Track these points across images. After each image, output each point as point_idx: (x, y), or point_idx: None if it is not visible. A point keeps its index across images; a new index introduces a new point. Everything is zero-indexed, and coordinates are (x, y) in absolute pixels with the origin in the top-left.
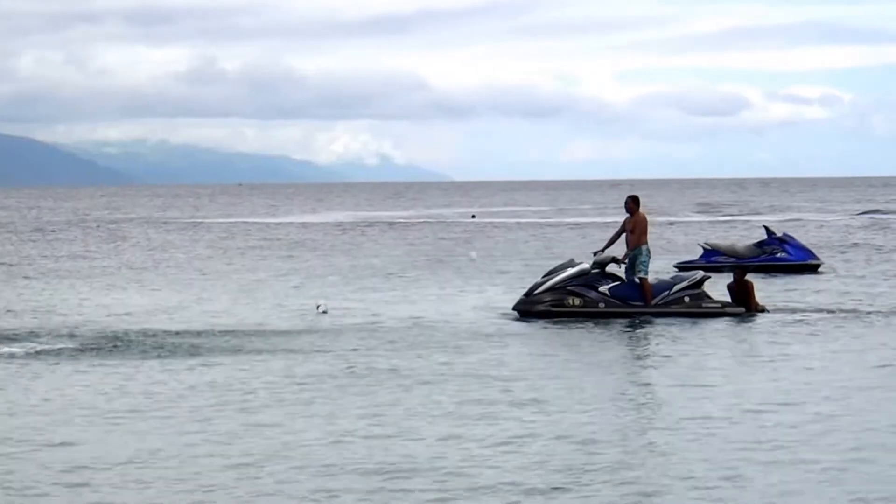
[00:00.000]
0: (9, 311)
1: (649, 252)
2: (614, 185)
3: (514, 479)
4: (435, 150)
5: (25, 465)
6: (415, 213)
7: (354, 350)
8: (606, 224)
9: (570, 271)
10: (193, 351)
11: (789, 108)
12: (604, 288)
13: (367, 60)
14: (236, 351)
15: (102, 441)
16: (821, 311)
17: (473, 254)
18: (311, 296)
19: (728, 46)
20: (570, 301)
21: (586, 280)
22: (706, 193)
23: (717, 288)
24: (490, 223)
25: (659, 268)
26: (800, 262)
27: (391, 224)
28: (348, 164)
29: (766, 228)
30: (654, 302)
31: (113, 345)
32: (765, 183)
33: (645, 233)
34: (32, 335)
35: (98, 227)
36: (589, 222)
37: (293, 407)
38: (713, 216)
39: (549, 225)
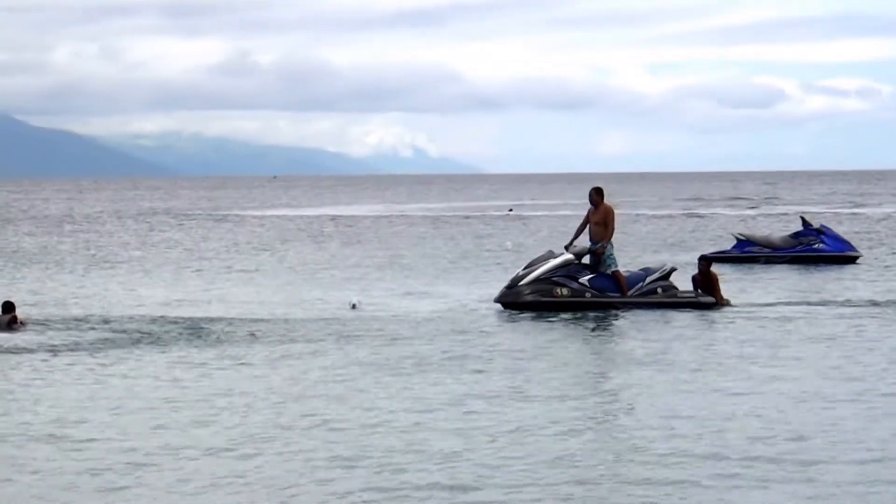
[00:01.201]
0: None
1: (612, 245)
2: (647, 177)
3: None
4: (469, 143)
5: (89, 453)
6: (449, 206)
7: (375, 341)
8: (639, 216)
9: (554, 262)
10: (221, 342)
11: (826, 101)
12: (584, 279)
13: (401, 53)
14: (279, 342)
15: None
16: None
17: (509, 243)
18: (345, 289)
19: (764, 38)
20: (558, 291)
21: (568, 271)
22: (737, 185)
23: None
24: (526, 216)
25: (689, 259)
26: (838, 253)
27: (425, 217)
28: (382, 156)
29: (803, 219)
30: (629, 293)
31: (161, 335)
32: (795, 175)
33: (613, 224)
34: (102, 323)
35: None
36: (622, 214)
37: (343, 395)
38: (745, 209)
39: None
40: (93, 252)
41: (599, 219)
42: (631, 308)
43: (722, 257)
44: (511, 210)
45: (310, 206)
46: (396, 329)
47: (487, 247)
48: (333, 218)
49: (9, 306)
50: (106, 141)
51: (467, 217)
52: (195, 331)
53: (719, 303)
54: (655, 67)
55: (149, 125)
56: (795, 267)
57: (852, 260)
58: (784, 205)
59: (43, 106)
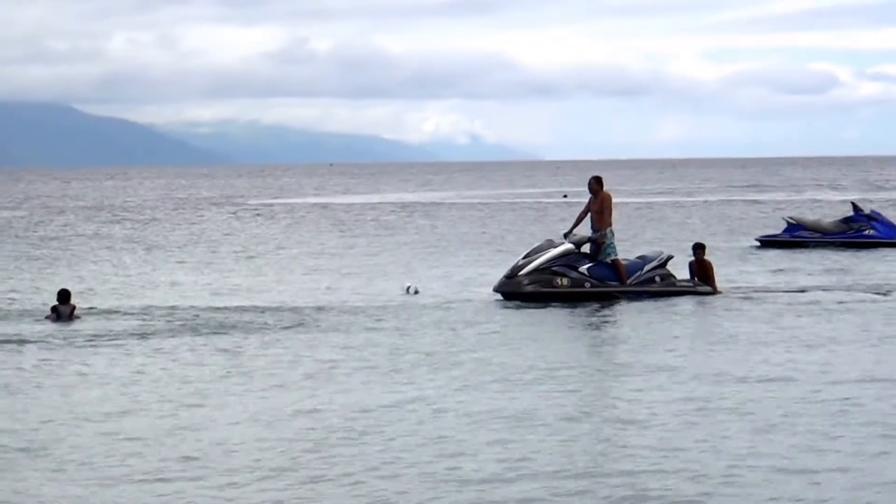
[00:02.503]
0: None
1: (613, 233)
2: (704, 163)
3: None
4: (525, 130)
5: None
6: (506, 192)
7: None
8: (695, 203)
9: (554, 251)
10: (272, 329)
11: (879, 87)
12: (583, 268)
13: (457, 40)
14: (333, 330)
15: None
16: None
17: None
18: (401, 275)
19: (818, 25)
20: (559, 281)
21: (568, 260)
22: (790, 170)
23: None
24: (582, 203)
25: (741, 242)
26: (890, 239)
27: (482, 203)
28: (439, 143)
29: (854, 205)
30: (629, 282)
31: (220, 322)
32: (848, 161)
33: (610, 213)
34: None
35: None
36: (678, 202)
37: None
38: (798, 194)
39: (646, 205)
40: (152, 240)
41: (598, 207)
42: (630, 297)
43: (773, 241)
44: (566, 196)
45: (366, 193)
46: (396, 318)
47: (538, 234)
48: (390, 204)
49: (65, 294)
50: (162, 129)
51: (519, 203)
52: (253, 320)
53: (713, 291)
54: (711, 54)
55: (205, 113)
56: (846, 252)
57: None
58: (837, 190)
59: (99, 94)
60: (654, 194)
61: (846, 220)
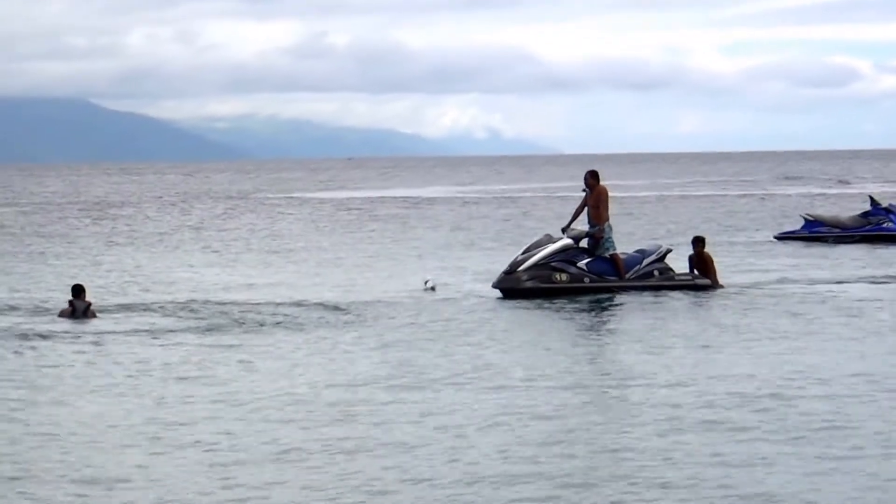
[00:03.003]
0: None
1: (611, 227)
2: (722, 156)
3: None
4: (544, 124)
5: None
6: (525, 187)
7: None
8: (715, 196)
9: (553, 247)
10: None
11: None
12: (581, 263)
13: (476, 34)
14: (346, 325)
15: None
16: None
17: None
18: (421, 270)
19: (838, 18)
20: (558, 277)
21: (566, 256)
22: (810, 164)
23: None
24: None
25: (762, 237)
26: None
27: (502, 198)
28: (457, 137)
29: (871, 199)
30: (627, 276)
31: (237, 319)
32: (869, 154)
33: (607, 207)
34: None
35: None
36: (697, 195)
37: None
38: (816, 188)
39: (666, 198)
40: (168, 235)
41: (595, 202)
42: (629, 291)
43: (791, 237)
44: (585, 190)
45: (384, 188)
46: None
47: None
48: (405, 199)
49: (79, 289)
50: (181, 124)
51: (540, 196)
52: (271, 316)
53: (714, 285)
54: (730, 47)
55: (223, 108)
56: (865, 246)
57: None
58: (858, 183)
59: (118, 90)
60: (671, 188)
61: (864, 214)
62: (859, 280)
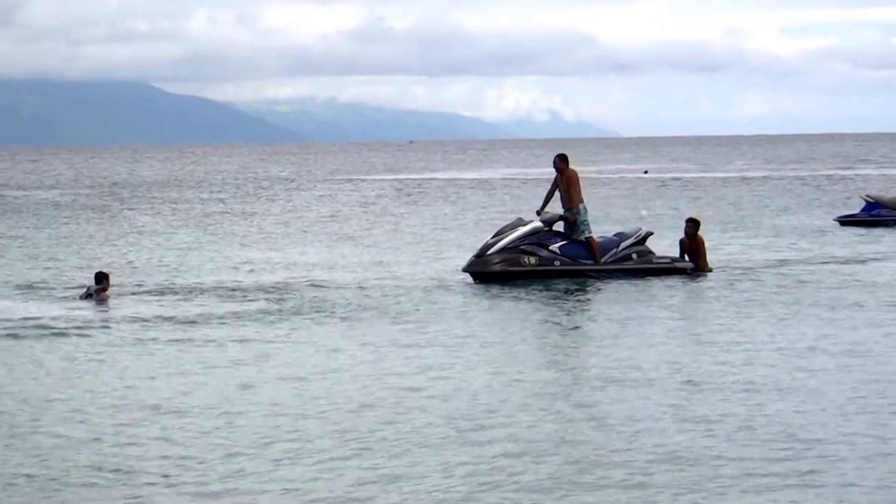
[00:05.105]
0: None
1: (586, 209)
2: (784, 139)
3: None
4: (604, 106)
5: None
6: (585, 170)
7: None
8: (775, 179)
9: (523, 230)
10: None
11: None
12: (554, 246)
13: (536, 16)
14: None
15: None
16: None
17: (644, 212)
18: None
19: None
20: (526, 260)
21: (538, 239)
22: (873, 147)
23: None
24: (660, 178)
25: (821, 222)
26: None
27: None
28: (518, 120)
29: None
30: (603, 260)
31: (288, 303)
32: None
33: (578, 190)
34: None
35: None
36: (754, 176)
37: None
38: (880, 170)
39: (725, 182)
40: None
41: (565, 185)
42: (603, 275)
43: (851, 220)
44: (646, 172)
45: (450, 170)
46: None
47: (621, 213)
48: (469, 181)
49: (101, 276)
50: (242, 107)
51: (599, 179)
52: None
53: (701, 268)
54: (792, 29)
55: (284, 91)
56: None
57: None
58: None
59: (179, 73)
60: (730, 170)
61: None
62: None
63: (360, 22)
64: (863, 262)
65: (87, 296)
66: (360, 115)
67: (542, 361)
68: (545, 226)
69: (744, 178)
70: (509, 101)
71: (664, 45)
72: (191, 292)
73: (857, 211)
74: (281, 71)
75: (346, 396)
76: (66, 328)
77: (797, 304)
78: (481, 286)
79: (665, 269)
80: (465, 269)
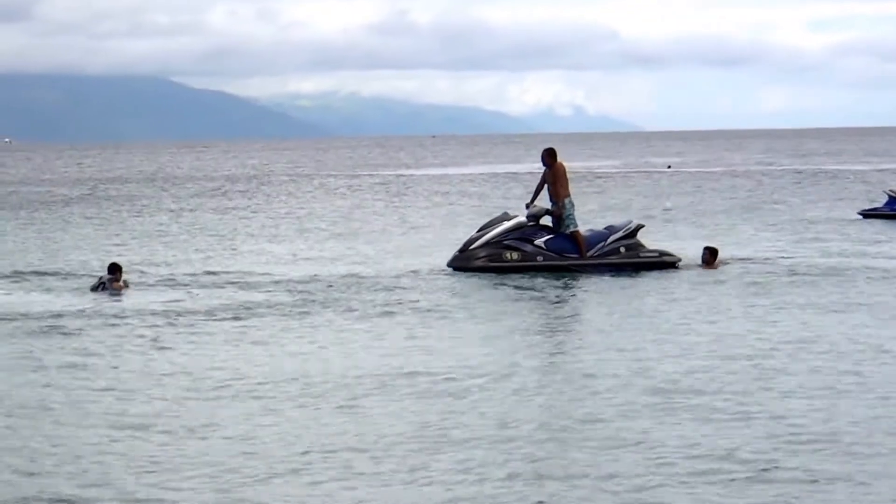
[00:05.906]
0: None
1: (573, 204)
2: (807, 133)
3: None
4: (627, 101)
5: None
6: (609, 164)
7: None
8: (796, 172)
9: (507, 224)
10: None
11: None
12: (539, 241)
13: (558, 10)
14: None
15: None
16: None
17: (669, 203)
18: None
19: None
20: (508, 255)
21: (522, 233)
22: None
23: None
24: (686, 172)
25: (843, 215)
26: None
27: (589, 175)
28: (540, 114)
29: None
30: (589, 254)
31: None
32: None
33: (565, 185)
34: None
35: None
36: (773, 170)
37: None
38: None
39: (746, 175)
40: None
41: (552, 179)
42: (588, 270)
43: (874, 214)
44: (670, 167)
45: (474, 164)
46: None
47: (645, 205)
48: (492, 176)
49: (114, 268)
50: (264, 102)
51: (623, 173)
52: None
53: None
54: (815, 23)
55: (306, 85)
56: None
57: None
58: None
59: (200, 67)
60: (752, 164)
61: None
62: None
63: (383, 16)
64: (887, 257)
65: (100, 286)
66: (383, 110)
67: (533, 354)
68: (531, 220)
69: (765, 172)
70: (532, 95)
71: (687, 38)
72: (204, 287)
73: (880, 205)
74: (303, 65)
75: (323, 390)
76: (77, 319)
77: (815, 297)
78: (467, 281)
79: (652, 263)
80: (449, 265)
